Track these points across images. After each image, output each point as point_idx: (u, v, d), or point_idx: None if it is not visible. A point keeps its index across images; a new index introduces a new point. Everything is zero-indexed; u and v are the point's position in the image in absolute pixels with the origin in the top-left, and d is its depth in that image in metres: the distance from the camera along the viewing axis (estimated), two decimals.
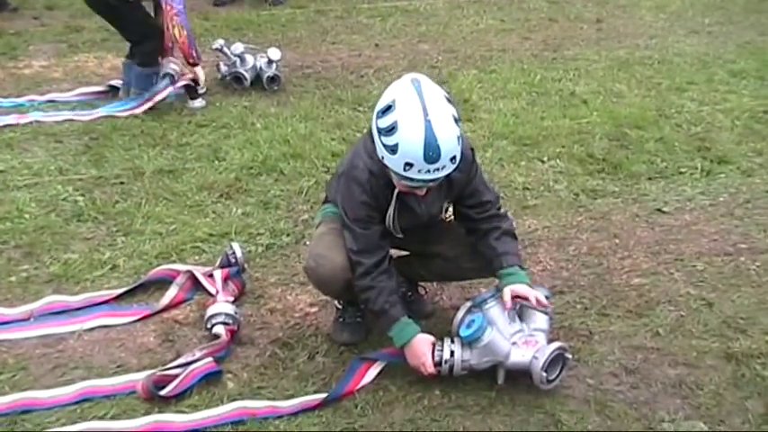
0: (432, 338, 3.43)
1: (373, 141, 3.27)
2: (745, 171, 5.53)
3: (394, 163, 3.13)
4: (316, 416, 3.30)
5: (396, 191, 3.33)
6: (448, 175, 3.24)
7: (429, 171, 3.11)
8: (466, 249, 3.60)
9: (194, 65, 6.45)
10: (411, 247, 3.73)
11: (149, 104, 6.26)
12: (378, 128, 3.16)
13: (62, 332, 3.80)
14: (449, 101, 3.17)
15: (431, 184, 3.22)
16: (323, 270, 3.47)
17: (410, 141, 3.06)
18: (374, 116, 3.20)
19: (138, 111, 6.25)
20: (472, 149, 3.43)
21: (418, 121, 3.06)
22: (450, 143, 3.09)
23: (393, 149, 3.11)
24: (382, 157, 3.18)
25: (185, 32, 6.17)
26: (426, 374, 3.40)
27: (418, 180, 3.16)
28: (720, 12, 9.90)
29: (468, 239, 3.60)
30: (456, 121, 3.14)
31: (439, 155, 3.07)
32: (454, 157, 3.14)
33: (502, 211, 3.62)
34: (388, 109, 3.13)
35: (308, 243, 4.53)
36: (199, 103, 6.56)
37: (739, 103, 6.72)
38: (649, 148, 5.81)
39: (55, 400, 3.36)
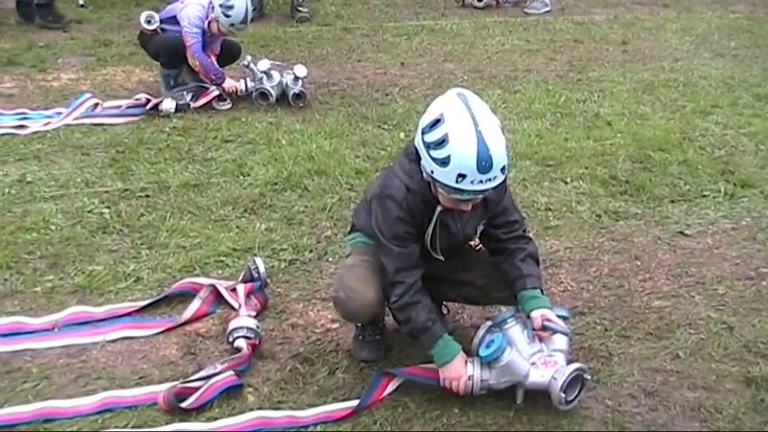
0: (465, 357, 3.43)
1: (411, 161, 3.31)
2: None
3: (445, 176, 3.13)
4: (334, 431, 3.32)
5: (437, 209, 3.35)
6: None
7: (482, 181, 3.12)
8: (496, 279, 3.60)
9: (219, 84, 6.78)
10: (442, 274, 3.67)
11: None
12: (425, 142, 3.17)
13: (85, 343, 3.84)
14: (492, 112, 3.21)
15: (480, 195, 3.23)
16: (353, 304, 3.50)
17: (463, 152, 3.08)
18: (419, 132, 3.21)
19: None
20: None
21: (469, 132, 3.09)
22: (500, 153, 3.12)
23: (444, 162, 3.11)
24: (432, 172, 3.18)
25: (197, 63, 6.70)
26: (456, 391, 3.41)
27: (470, 191, 3.16)
28: (746, 35, 9.88)
29: (493, 260, 3.63)
30: (502, 131, 3.17)
31: (491, 164, 3.09)
32: (504, 167, 3.16)
33: (528, 233, 3.65)
34: (436, 122, 3.15)
35: (330, 259, 4.57)
36: (225, 105, 6.78)
37: (764, 127, 6.70)
38: (672, 171, 5.80)
39: (77, 410, 3.39)
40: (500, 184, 3.22)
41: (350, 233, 3.83)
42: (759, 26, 10.34)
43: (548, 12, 10.55)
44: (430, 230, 3.41)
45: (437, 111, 3.18)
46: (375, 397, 3.47)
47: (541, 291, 3.53)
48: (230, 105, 6.76)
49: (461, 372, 3.40)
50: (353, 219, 3.80)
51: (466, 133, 3.09)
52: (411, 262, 3.40)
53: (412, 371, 3.56)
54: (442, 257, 3.51)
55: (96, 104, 6.56)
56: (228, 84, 6.79)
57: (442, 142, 3.12)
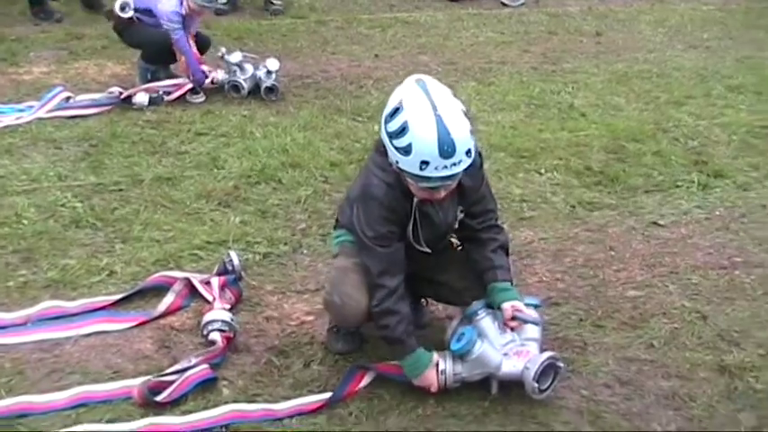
0: (437, 360, 3.43)
1: (382, 154, 3.28)
2: (741, 185, 5.55)
3: (409, 164, 3.10)
4: (310, 423, 3.32)
5: (414, 201, 3.31)
6: (459, 182, 3.25)
7: (446, 167, 3.08)
8: (472, 284, 3.58)
9: (198, 85, 6.76)
10: (421, 273, 3.62)
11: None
12: (388, 132, 3.14)
13: (59, 337, 3.81)
14: (455, 96, 3.17)
15: (449, 182, 3.18)
16: (348, 310, 3.48)
17: (423, 138, 3.04)
18: (382, 122, 3.18)
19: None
20: (480, 155, 3.40)
21: (428, 117, 3.05)
22: (463, 136, 3.08)
23: (407, 150, 3.08)
24: (396, 162, 3.15)
25: (183, 57, 6.71)
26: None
27: (436, 179, 3.12)
28: (719, 27, 9.93)
29: (467, 248, 3.63)
30: (465, 115, 3.14)
31: (454, 148, 3.05)
32: (469, 151, 3.12)
33: (500, 222, 3.64)
34: (396, 111, 3.11)
35: (304, 252, 4.56)
36: (198, 98, 6.75)
37: (736, 118, 6.74)
38: (646, 162, 5.83)
39: (51, 405, 3.37)
40: (469, 168, 3.19)
41: (334, 229, 3.79)
42: (732, 17, 10.40)
43: (522, 4, 10.56)
44: (411, 223, 3.39)
45: (396, 99, 3.15)
46: (350, 389, 3.47)
47: (511, 282, 3.53)
48: (204, 98, 6.73)
49: (432, 381, 3.40)
50: (338, 215, 3.75)
51: (425, 119, 3.05)
52: (395, 263, 3.37)
53: (386, 368, 3.55)
54: (428, 249, 3.49)
55: (68, 98, 6.52)
56: (206, 85, 6.79)
57: (402, 130, 3.08)
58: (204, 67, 6.80)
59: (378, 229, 3.32)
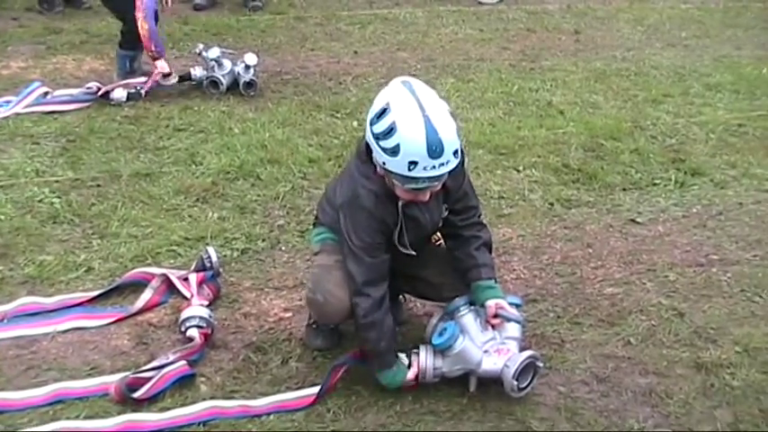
0: (414, 374, 3.44)
1: (364, 162, 3.27)
2: (719, 183, 5.58)
3: (397, 165, 3.09)
4: (288, 420, 3.32)
5: (399, 204, 3.30)
6: (444, 183, 3.25)
7: (434, 167, 3.08)
8: (450, 279, 3.59)
9: (155, 58, 6.62)
10: (400, 269, 3.57)
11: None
12: (374, 134, 3.13)
13: (36, 334, 3.80)
14: (446, 101, 3.19)
15: (435, 183, 3.18)
16: (330, 308, 3.47)
17: (411, 138, 3.04)
18: (368, 125, 3.17)
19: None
20: (463, 154, 3.37)
21: (416, 117, 3.05)
22: (450, 137, 3.08)
23: (394, 151, 3.07)
24: (383, 163, 3.14)
25: (147, 26, 6.45)
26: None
27: (424, 179, 3.11)
28: (697, 25, 9.97)
29: (449, 246, 3.63)
30: (452, 116, 3.14)
31: (442, 148, 3.05)
32: (456, 151, 3.12)
33: (482, 219, 3.64)
34: (383, 112, 3.11)
35: (282, 248, 4.56)
36: (171, 79, 6.73)
37: (714, 116, 6.77)
38: (624, 160, 5.85)
39: (27, 402, 3.35)
40: (455, 168, 3.19)
41: (314, 227, 3.77)
42: (710, 16, 10.43)
43: (501, 1, 10.57)
44: (398, 228, 3.36)
45: (383, 101, 3.14)
46: (329, 385, 3.46)
47: (495, 280, 3.54)
48: (176, 80, 6.68)
49: (409, 385, 3.43)
50: (318, 213, 3.73)
51: (413, 119, 3.05)
52: (380, 273, 3.36)
53: (360, 354, 3.54)
54: (413, 252, 3.46)
55: (46, 93, 6.48)
56: (162, 64, 6.65)
57: (390, 131, 3.08)
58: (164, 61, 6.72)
59: (366, 240, 3.31)
